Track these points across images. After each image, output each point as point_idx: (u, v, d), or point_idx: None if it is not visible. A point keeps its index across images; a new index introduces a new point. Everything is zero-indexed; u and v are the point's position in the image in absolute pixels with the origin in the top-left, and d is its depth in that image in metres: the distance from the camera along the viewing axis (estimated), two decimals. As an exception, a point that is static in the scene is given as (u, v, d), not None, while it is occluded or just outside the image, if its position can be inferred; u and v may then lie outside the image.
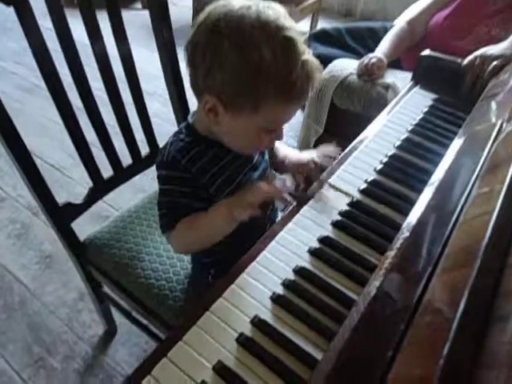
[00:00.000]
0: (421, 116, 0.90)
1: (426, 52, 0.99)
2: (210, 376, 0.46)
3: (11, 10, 0.65)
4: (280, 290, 0.55)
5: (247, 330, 0.51)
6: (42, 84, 0.73)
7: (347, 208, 0.67)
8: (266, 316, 0.52)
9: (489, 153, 0.58)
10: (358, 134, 0.84)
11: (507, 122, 0.63)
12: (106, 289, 0.94)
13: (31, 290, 1.25)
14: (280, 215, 0.67)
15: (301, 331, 0.51)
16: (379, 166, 0.76)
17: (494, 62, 0.92)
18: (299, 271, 0.57)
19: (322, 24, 2.54)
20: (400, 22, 1.37)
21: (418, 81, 1.01)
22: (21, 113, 1.92)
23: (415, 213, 0.57)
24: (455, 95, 0.95)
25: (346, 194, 0.69)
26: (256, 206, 0.56)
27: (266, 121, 0.56)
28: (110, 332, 1.15)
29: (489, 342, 0.27)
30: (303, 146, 1.48)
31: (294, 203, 0.67)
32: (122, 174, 0.93)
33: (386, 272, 0.47)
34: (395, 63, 1.38)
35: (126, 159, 0.93)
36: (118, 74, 0.85)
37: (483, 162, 0.56)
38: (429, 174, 0.67)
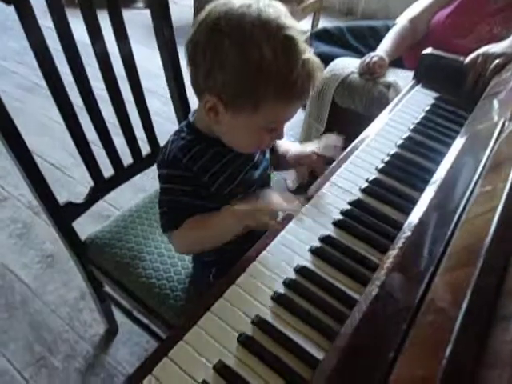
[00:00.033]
0: (422, 115, 0.89)
1: (428, 50, 0.99)
2: (210, 376, 0.46)
3: (12, 9, 0.65)
4: (281, 290, 0.55)
5: (248, 329, 0.50)
6: (43, 83, 0.73)
7: (348, 207, 0.67)
8: (267, 315, 0.52)
9: (491, 151, 0.57)
10: (360, 133, 0.84)
11: (509, 120, 0.62)
12: (107, 288, 0.94)
13: (32, 290, 1.25)
14: (281, 214, 0.67)
15: (302, 331, 0.51)
16: (381, 165, 0.75)
17: (496, 61, 0.92)
18: (300, 270, 0.57)
19: (324, 23, 2.53)
20: (402, 21, 1.36)
21: (419, 79, 1.01)
22: (22, 112, 1.92)
23: (417, 212, 0.57)
24: (457, 94, 0.95)
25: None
26: (267, 221, 0.56)
27: (267, 120, 0.55)
28: (111, 331, 1.15)
29: (492, 341, 0.27)
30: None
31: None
32: (123, 174, 0.93)
33: (387, 271, 0.47)
34: (397, 62, 1.37)
35: (126, 158, 0.93)
36: (119, 73, 0.85)
37: (485, 161, 0.55)
38: (431, 172, 0.67)
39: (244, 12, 0.50)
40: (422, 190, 0.63)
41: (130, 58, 0.85)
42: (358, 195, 0.69)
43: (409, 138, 0.82)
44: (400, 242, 0.51)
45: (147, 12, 0.87)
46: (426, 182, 0.64)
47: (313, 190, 0.70)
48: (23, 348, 1.11)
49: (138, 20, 2.07)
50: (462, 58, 0.97)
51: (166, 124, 1.51)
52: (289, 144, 0.77)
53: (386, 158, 0.77)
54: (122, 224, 0.90)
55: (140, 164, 0.96)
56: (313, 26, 2.63)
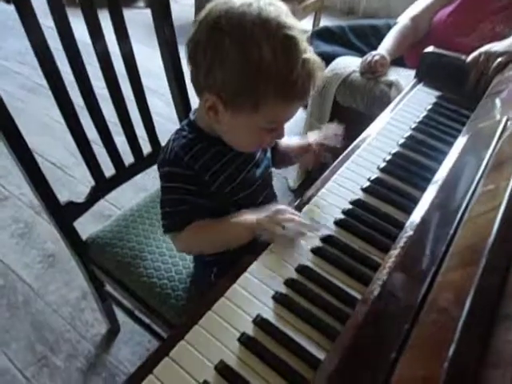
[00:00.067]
0: (424, 114, 0.89)
1: (430, 49, 0.98)
2: (212, 376, 0.46)
3: (13, 8, 0.65)
4: (283, 289, 0.55)
5: (249, 329, 0.50)
6: (45, 83, 0.73)
7: (350, 206, 0.67)
8: (269, 315, 0.52)
9: (494, 150, 0.57)
10: (361, 132, 0.84)
11: (512, 119, 0.62)
12: (109, 288, 0.94)
13: (34, 289, 1.25)
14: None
15: (303, 331, 0.50)
16: (382, 164, 0.75)
17: (499, 59, 0.91)
18: (302, 270, 0.57)
19: (325, 22, 2.53)
20: (403, 19, 1.36)
21: (421, 78, 1.00)
22: (23, 112, 1.92)
23: (419, 211, 0.56)
24: (459, 92, 0.94)
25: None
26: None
27: (267, 120, 0.55)
28: (113, 331, 1.15)
29: (495, 341, 0.27)
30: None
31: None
32: (124, 173, 0.93)
33: (389, 271, 0.47)
34: (398, 61, 1.37)
35: (127, 158, 0.93)
36: (120, 72, 0.85)
37: (488, 160, 0.55)
38: (432, 171, 0.66)
39: (244, 11, 0.50)
40: (423, 189, 0.62)
41: (131, 57, 0.85)
42: (360, 194, 0.69)
43: (410, 137, 0.82)
44: (402, 241, 0.51)
45: (148, 11, 0.87)
46: (427, 181, 0.64)
47: (314, 189, 0.70)
48: (25, 347, 1.11)
49: (138, 19, 2.08)
50: (463, 57, 0.96)
51: (167, 123, 1.51)
52: (289, 139, 0.76)
53: (388, 157, 0.77)
54: (123, 223, 0.90)
55: (141, 163, 0.96)
56: (314, 26, 2.62)
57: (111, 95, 0.85)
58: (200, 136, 0.62)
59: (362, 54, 1.36)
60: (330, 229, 0.63)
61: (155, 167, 0.66)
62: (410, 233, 0.52)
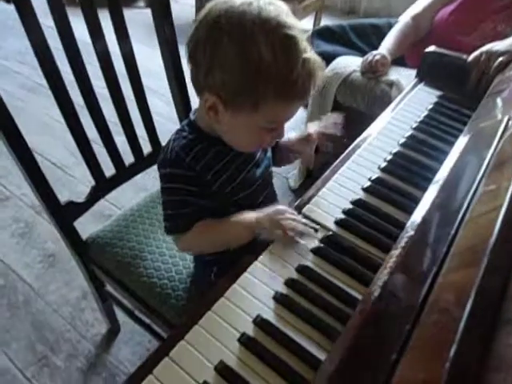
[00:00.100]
0: (425, 113, 0.89)
1: (431, 48, 0.98)
2: (211, 376, 0.46)
3: (13, 8, 0.64)
4: (283, 290, 0.54)
5: (249, 329, 0.50)
6: (45, 83, 0.72)
7: (351, 206, 0.67)
8: (269, 316, 0.51)
9: (495, 150, 0.57)
10: (362, 132, 0.84)
11: (514, 118, 0.62)
12: (109, 288, 0.94)
13: (35, 289, 1.25)
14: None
15: (304, 331, 0.50)
16: (383, 164, 0.75)
17: (500, 58, 0.91)
18: (302, 270, 0.57)
19: (325, 22, 2.52)
20: (404, 18, 1.35)
21: (422, 77, 1.00)
22: (24, 111, 1.92)
23: (420, 211, 0.56)
24: (460, 92, 0.94)
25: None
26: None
27: (267, 120, 0.55)
28: (113, 331, 1.15)
29: (496, 344, 0.26)
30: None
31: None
32: (125, 173, 0.93)
33: (390, 271, 0.46)
34: (399, 60, 1.37)
35: (128, 157, 0.93)
36: (120, 72, 0.84)
37: (489, 159, 0.55)
38: (433, 171, 0.66)
39: (245, 10, 0.50)
40: (424, 189, 0.62)
41: (131, 56, 0.85)
42: (361, 194, 0.69)
43: (411, 137, 0.82)
44: (403, 241, 0.51)
45: (148, 11, 0.87)
46: (428, 181, 0.64)
47: (315, 188, 0.70)
48: (25, 347, 1.11)
49: (138, 19, 2.07)
50: (465, 56, 0.96)
51: (168, 123, 1.51)
52: (289, 134, 0.76)
53: (389, 157, 0.76)
54: (123, 223, 0.90)
55: (141, 163, 0.95)
56: (314, 25, 2.61)
57: (111, 95, 0.85)
58: (200, 136, 0.62)
59: (362, 53, 1.35)
60: (329, 229, 0.63)
61: (155, 167, 0.66)
62: (411, 233, 0.52)
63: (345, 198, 0.68)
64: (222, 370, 0.46)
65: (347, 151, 0.78)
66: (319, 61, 0.54)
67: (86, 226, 0.93)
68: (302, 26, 0.55)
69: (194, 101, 0.69)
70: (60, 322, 1.17)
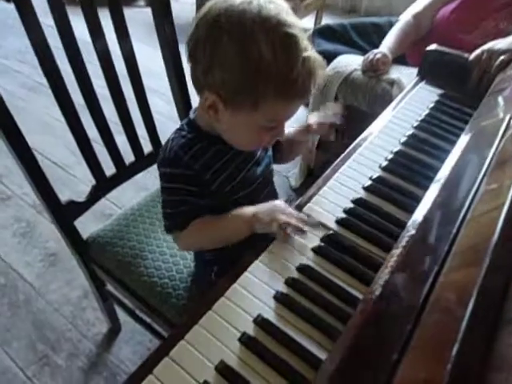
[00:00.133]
0: (426, 112, 0.88)
1: (432, 46, 0.97)
2: (212, 376, 0.45)
3: (13, 7, 0.64)
4: (283, 289, 0.54)
5: (250, 329, 0.50)
6: (46, 82, 0.72)
7: (352, 205, 0.66)
8: (269, 315, 0.51)
9: (497, 148, 0.57)
10: (363, 131, 0.83)
11: (515, 117, 0.61)
12: (110, 287, 0.94)
13: (36, 288, 1.25)
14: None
15: (304, 330, 0.50)
16: (384, 163, 0.75)
17: (502, 57, 0.90)
18: (303, 269, 0.57)
19: (327, 21, 2.52)
20: (405, 16, 1.35)
21: (423, 76, 1.00)
22: (25, 111, 1.93)
23: (421, 210, 0.56)
24: (462, 90, 0.94)
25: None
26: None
27: (267, 118, 0.55)
28: (114, 330, 1.15)
29: (498, 344, 0.26)
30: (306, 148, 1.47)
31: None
32: (125, 172, 0.93)
33: (391, 270, 0.46)
34: (400, 59, 1.36)
35: (128, 157, 0.93)
36: (120, 71, 0.84)
37: (491, 158, 0.55)
38: (435, 170, 0.66)
39: (245, 8, 0.50)
40: (426, 188, 0.62)
41: (132, 56, 0.85)
42: (362, 193, 0.69)
43: (412, 136, 0.81)
44: (404, 240, 0.51)
45: (148, 10, 0.86)
46: (430, 180, 0.63)
47: (315, 187, 0.70)
48: (26, 346, 1.11)
49: (139, 18, 2.07)
50: (466, 55, 0.96)
51: (168, 123, 1.50)
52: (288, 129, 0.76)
53: (390, 156, 0.76)
54: (123, 223, 0.90)
55: (142, 162, 0.95)
56: (315, 24, 2.61)
57: (111, 94, 0.85)
58: (200, 135, 0.61)
59: (363, 52, 1.35)
60: (329, 226, 0.62)
61: (156, 166, 0.66)
62: (412, 232, 0.51)
63: (346, 197, 0.68)
64: (223, 369, 0.46)
65: (348, 150, 0.78)
66: (320, 59, 0.54)
67: (87, 225, 0.93)
68: (302, 25, 0.54)
69: (195, 100, 0.69)
70: (61, 321, 1.17)
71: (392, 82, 1.23)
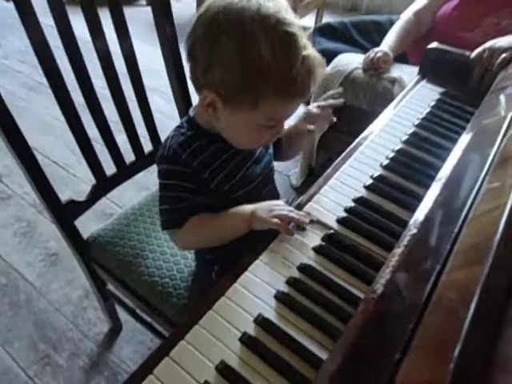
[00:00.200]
0: (428, 110, 0.88)
1: (433, 45, 0.97)
2: (212, 376, 0.45)
3: (12, 6, 0.64)
4: (284, 288, 0.54)
5: (251, 329, 0.50)
6: (46, 82, 0.72)
7: (353, 204, 0.66)
8: (270, 315, 0.51)
9: (499, 147, 0.56)
10: (364, 129, 0.83)
11: (517, 115, 0.61)
12: (111, 286, 0.94)
13: (37, 288, 1.25)
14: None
15: (305, 330, 0.50)
16: (385, 161, 0.74)
17: (503, 55, 0.90)
18: (304, 269, 0.56)
19: (327, 19, 2.51)
20: (406, 14, 1.34)
21: (424, 74, 0.99)
22: (25, 111, 1.93)
23: (423, 209, 0.56)
24: (463, 89, 0.93)
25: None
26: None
27: (266, 117, 0.55)
28: (115, 329, 1.15)
29: (502, 343, 0.26)
30: (308, 142, 1.47)
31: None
32: (125, 171, 0.93)
33: (393, 270, 0.46)
34: (401, 57, 1.36)
35: (129, 156, 0.93)
36: (121, 70, 0.84)
37: (493, 157, 0.54)
38: (436, 169, 0.66)
39: (243, 6, 0.49)
40: (427, 187, 0.62)
41: (132, 55, 0.85)
42: (363, 192, 0.68)
43: (414, 134, 0.81)
44: (405, 239, 0.50)
45: (149, 9, 0.86)
46: (431, 179, 0.63)
47: (316, 186, 0.69)
48: (27, 346, 1.12)
49: (139, 17, 2.07)
50: (467, 53, 0.95)
51: (169, 122, 1.50)
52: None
53: (391, 155, 0.76)
54: (124, 222, 0.89)
55: (142, 161, 0.95)
56: (316, 23, 2.61)
57: (112, 93, 0.85)
58: (199, 133, 0.61)
59: (364, 50, 1.35)
60: (330, 225, 0.62)
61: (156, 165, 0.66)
62: (414, 231, 0.51)
63: (347, 196, 0.67)
64: (223, 369, 0.46)
65: (349, 149, 0.77)
66: (319, 58, 0.53)
67: (88, 224, 0.92)
68: (302, 23, 0.54)
69: (195, 99, 0.69)
70: (62, 320, 1.17)
71: (393, 81, 1.22)
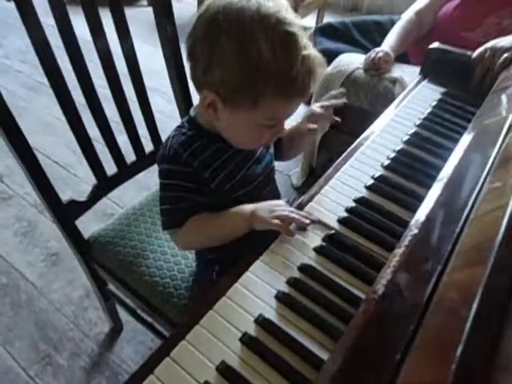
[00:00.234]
0: (429, 110, 0.88)
1: (435, 45, 0.97)
2: (213, 376, 0.45)
3: (13, 6, 0.64)
4: (285, 289, 0.54)
5: (251, 329, 0.50)
6: (47, 81, 0.72)
7: (353, 204, 0.66)
8: (271, 315, 0.51)
9: (500, 147, 0.56)
10: (365, 130, 0.83)
11: (519, 115, 0.61)
12: (111, 287, 0.94)
13: (38, 288, 1.25)
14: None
15: (306, 330, 0.50)
16: (386, 162, 0.74)
17: (505, 55, 0.90)
18: (305, 269, 0.56)
19: (328, 19, 2.51)
20: (408, 14, 1.34)
21: (426, 74, 0.99)
22: (25, 111, 1.93)
23: (424, 209, 0.55)
24: (465, 89, 0.93)
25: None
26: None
27: (266, 117, 0.55)
28: (116, 330, 1.15)
29: (504, 343, 0.26)
30: (309, 141, 1.46)
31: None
32: (126, 171, 0.93)
33: (394, 270, 0.46)
34: (403, 57, 1.35)
35: (129, 156, 0.93)
36: (122, 70, 0.84)
37: (494, 157, 0.54)
38: (437, 169, 0.65)
39: (243, 6, 0.49)
40: (428, 187, 0.61)
41: (133, 55, 0.85)
42: (364, 192, 0.68)
43: (415, 134, 0.81)
44: (406, 239, 0.50)
45: (150, 10, 0.86)
46: (432, 179, 0.63)
47: (317, 186, 0.69)
48: (28, 346, 1.12)
49: (141, 18, 2.07)
50: (469, 53, 0.95)
51: (170, 122, 1.50)
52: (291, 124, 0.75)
53: (392, 155, 0.76)
54: (125, 222, 0.89)
55: (143, 162, 0.95)
56: (317, 23, 2.61)
57: (113, 93, 0.85)
58: (200, 133, 0.61)
59: (365, 50, 1.34)
60: (331, 226, 0.62)
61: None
62: (415, 231, 0.51)
63: (348, 196, 0.67)
64: (224, 370, 0.46)
65: (350, 149, 0.77)
66: (319, 57, 0.53)
67: (88, 224, 0.92)
68: (302, 22, 0.54)
69: (196, 99, 0.69)
70: (63, 320, 1.17)
71: (394, 81, 1.22)
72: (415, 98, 0.92)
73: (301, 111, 0.65)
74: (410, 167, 0.73)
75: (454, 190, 0.56)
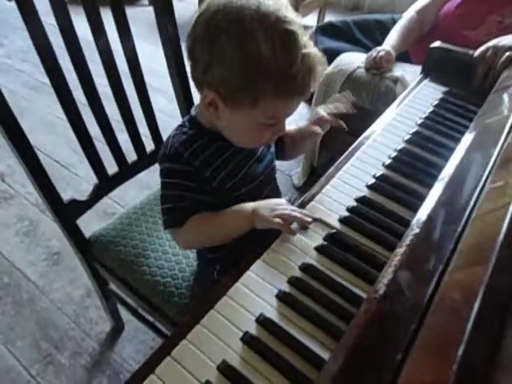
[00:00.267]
0: (431, 109, 0.88)
1: (436, 44, 0.97)
2: (214, 376, 0.45)
3: (14, 6, 0.64)
4: (286, 288, 0.54)
5: (252, 328, 0.49)
6: (48, 81, 0.72)
7: (355, 203, 0.66)
8: (272, 314, 0.51)
9: (502, 146, 0.56)
10: (366, 129, 0.83)
11: (521, 114, 0.61)
12: (113, 286, 0.94)
13: (39, 287, 1.26)
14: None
15: (307, 330, 0.50)
16: (388, 161, 0.74)
17: (507, 53, 0.89)
18: (306, 268, 0.56)
19: (329, 18, 2.50)
20: (409, 12, 1.34)
21: (427, 73, 0.99)
22: (27, 110, 1.93)
23: (425, 209, 0.55)
24: (466, 88, 0.93)
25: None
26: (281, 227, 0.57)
27: (266, 115, 0.55)
28: (117, 329, 1.15)
29: (506, 343, 0.26)
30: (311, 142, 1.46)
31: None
32: (127, 171, 0.93)
33: (395, 269, 0.46)
34: (404, 56, 1.35)
35: (131, 155, 0.93)
36: (123, 70, 0.84)
37: (496, 156, 0.54)
38: (439, 168, 0.65)
39: (243, 4, 0.49)
40: (430, 186, 0.61)
41: (134, 54, 0.85)
42: (365, 191, 0.68)
43: (417, 133, 0.81)
44: (408, 239, 0.50)
45: (151, 9, 0.86)
46: (434, 178, 0.63)
47: (318, 186, 0.69)
48: (30, 345, 1.12)
49: (141, 17, 2.07)
50: (471, 51, 0.95)
51: (171, 121, 1.50)
52: (295, 124, 0.75)
53: (393, 154, 0.76)
54: (126, 221, 0.89)
55: (144, 161, 0.95)
56: (318, 22, 2.60)
57: (114, 93, 0.85)
58: (201, 132, 0.61)
59: (366, 49, 1.34)
60: (332, 225, 0.62)
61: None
62: (417, 230, 0.51)
63: (349, 196, 0.67)
64: (225, 369, 0.46)
65: (351, 148, 0.77)
66: (319, 56, 0.53)
67: (90, 224, 0.93)
68: (304, 22, 0.54)
69: (197, 98, 0.69)
70: (64, 319, 1.18)
71: (396, 80, 1.22)
72: (417, 97, 0.91)
73: (301, 110, 0.64)
74: (412, 166, 0.73)
75: (455, 189, 0.56)
